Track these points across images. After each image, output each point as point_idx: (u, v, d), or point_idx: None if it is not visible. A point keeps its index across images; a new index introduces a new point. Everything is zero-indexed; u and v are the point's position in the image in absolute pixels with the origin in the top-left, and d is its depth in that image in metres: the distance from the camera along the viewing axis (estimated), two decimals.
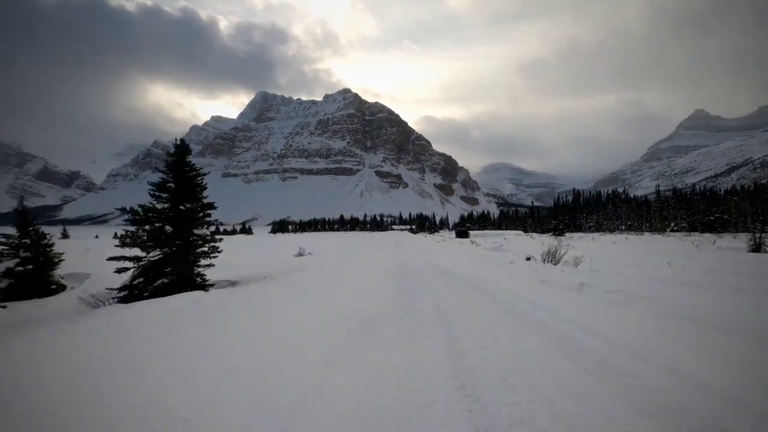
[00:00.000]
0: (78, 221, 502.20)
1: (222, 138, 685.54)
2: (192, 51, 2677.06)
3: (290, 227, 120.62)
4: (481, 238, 34.26)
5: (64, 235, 53.57)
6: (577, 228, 64.68)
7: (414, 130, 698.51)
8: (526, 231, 66.20)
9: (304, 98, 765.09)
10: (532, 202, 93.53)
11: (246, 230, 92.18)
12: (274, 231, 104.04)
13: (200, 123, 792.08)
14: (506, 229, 68.17)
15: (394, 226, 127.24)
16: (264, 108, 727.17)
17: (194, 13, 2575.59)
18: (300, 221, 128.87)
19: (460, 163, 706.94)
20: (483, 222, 74.02)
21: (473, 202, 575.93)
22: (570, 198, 73.59)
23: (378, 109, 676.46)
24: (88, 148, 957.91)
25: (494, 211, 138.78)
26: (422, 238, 46.83)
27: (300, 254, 19.27)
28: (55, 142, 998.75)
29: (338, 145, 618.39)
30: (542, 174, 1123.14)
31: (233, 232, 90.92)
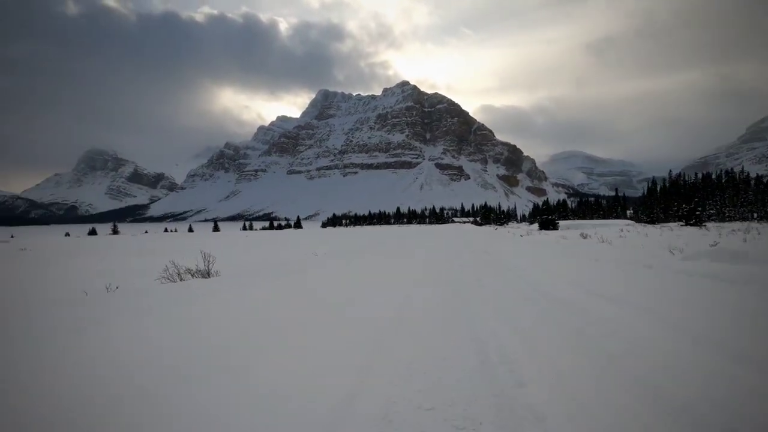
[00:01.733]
0: (162, 218, 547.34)
1: (286, 137, 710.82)
2: (254, 55, 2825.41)
3: (344, 222, 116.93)
4: (574, 229, 25.81)
5: (114, 231, 53.13)
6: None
7: (475, 119, 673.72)
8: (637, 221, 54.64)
9: (363, 94, 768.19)
10: (617, 190, 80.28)
11: (296, 225, 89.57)
12: (323, 225, 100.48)
13: (266, 123, 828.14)
14: (593, 219, 57.23)
15: (455, 219, 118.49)
16: (325, 105, 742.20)
17: (254, 18, 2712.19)
18: (355, 215, 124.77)
19: (525, 152, 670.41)
20: (563, 212, 63.55)
21: (540, 192, 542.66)
22: (663, 183, 60.20)
23: (437, 100, 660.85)
24: (171, 152, 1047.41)
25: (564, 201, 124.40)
26: (491, 230, 38.45)
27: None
28: (144, 148, 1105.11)
29: (397, 138, 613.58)
30: (617, 161, 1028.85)
31: (287, 226, 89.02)
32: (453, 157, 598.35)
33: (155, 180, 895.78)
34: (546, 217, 33.03)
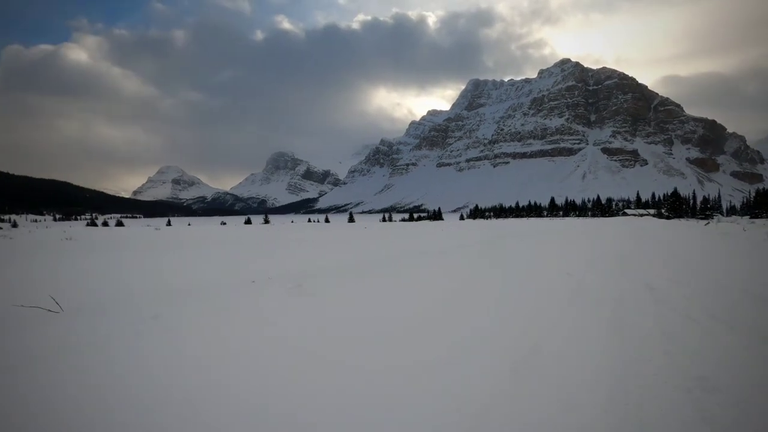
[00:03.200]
0: (327, 210, 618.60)
1: (436, 130, 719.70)
2: (403, 52, 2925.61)
3: (487, 214, 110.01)
4: None
5: (266, 221, 60.83)
6: None
7: (656, 93, 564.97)
8: None
9: (515, 78, 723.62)
10: None
11: (436, 216, 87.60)
12: (461, 218, 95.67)
13: (417, 118, 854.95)
14: None
15: (627, 211, 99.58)
16: (475, 95, 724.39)
17: (404, 17, 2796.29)
18: (500, 207, 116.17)
19: (729, 128, 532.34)
20: None
21: (754, 178, 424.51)
22: None
23: (605, 75, 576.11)
24: (335, 151, 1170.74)
25: None
26: (702, 229, 26.22)
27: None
28: (314, 149, 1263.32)
29: (555, 123, 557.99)
30: None
31: (430, 218, 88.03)
32: (625, 139, 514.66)
33: (323, 176, 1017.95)
34: None
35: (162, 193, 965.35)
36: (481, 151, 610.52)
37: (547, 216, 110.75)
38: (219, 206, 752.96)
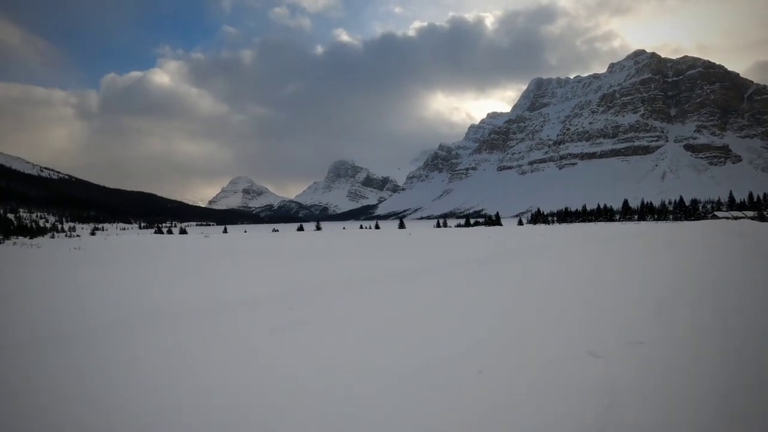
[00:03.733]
0: (387, 216, 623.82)
1: (496, 132, 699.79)
2: (460, 56, 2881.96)
3: (550, 219, 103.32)
4: None
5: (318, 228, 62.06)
6: None
7: (751, 81, 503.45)
8: None
9: (582, 75, 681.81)
10: None
11: (493, 221, 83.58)
12: (520, 222, 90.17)
13: (476, 122, 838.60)
14: None
15: (718, 213, 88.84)
16: (537, 95, 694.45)
17: (460, 20, 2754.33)
18: (565, 210, 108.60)
19: None
20: None
21: None
22: None
23: (686, 65, 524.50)
24: (394, 158, 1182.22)
25: None
26: None
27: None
28: (373, 156, 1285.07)
29: (629, 119, 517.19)
30: None
31: (486, 222, 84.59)
32: (713, 134, 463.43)
33: (382, 183, 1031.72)
34: None
35: (233, 202, 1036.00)
36: (546, 152, 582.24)
37: (619, 220, 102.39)
38: (284, 214, 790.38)
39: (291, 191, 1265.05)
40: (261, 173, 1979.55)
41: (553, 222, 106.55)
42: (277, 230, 67.00)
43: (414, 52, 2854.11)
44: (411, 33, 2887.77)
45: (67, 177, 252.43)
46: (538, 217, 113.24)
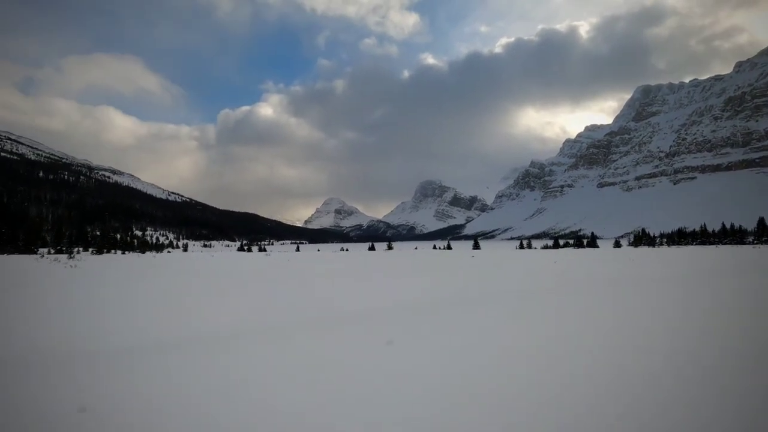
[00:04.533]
0: (473, 236, 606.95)
1: (595, 146, 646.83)
2: (551, 68, 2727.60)
3: (659, 240, 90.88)
4: None
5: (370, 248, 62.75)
6: None
7: None
8: None
9: (700, 78, 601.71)
10: None
11: (588, 242, 75.82)
12: (616, 245, 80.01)
13: (572, 136, 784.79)
14: None
15: None
16: (644, 103, 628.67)
17: (550, 32, 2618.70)
18: (678, 231, 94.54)
19: None
20: None
21: None
22: None
23: None
24: (482, 177, 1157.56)
25: None
26: None
27: None
28: (461, 175, 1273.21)
29: (763, 125, 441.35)
30: None
31: (577, 244, 77.57)
32: None
33: (470, 202, 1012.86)
34: None
35: (326, 221, 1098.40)
36: (656, 166, 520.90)
37: (753, 243, 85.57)
38: (373, 233, 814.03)
39: (380, 211, 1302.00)
40: (352, 194, 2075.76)
41: (660, 244, 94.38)
42: (347, 249, 70.04)
43: (501, 69, 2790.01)
44: (498, 50, 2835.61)
45: (188, 200, 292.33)
46: (642, 239, 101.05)
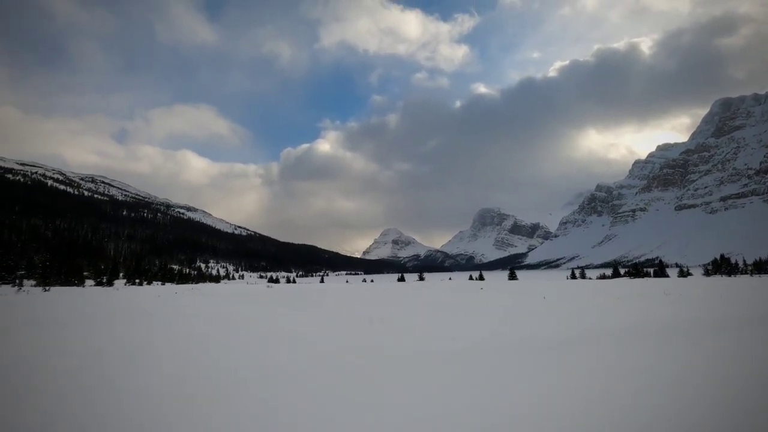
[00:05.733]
0: (537, 266, 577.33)
1: (670, 166, 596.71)
2: (611, 88, 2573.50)
3: (743, 269, 79.07)
4: None
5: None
6: None
7: None
8: None
9: None
10: None
11: (656, 272, 67.98)
12: (683, 273, 70.13)
13: (639, 157, 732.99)
14: None
15: None
16: (725, 117, 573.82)
17: (607, 51, 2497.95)
18: None
19: None
20: None
21: None
22: None
23: None
24: (544, 203, 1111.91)
25: None
26: None
27: None
28: (521, 202, 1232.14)
29: None
30: None
31: (636, 273, 69.86)
32: None
33: (532, 230, 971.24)
34: None
35: (384, 252, 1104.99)
36: (744, 185, 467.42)
37: None
38: (431, 263, 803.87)
39: (437, 241, 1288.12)
40: (408, 224, 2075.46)
41: (744, 273, 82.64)
42: (373, 280, 69.45)
43: (556, 93, 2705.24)
44: (552, 74, 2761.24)
45: (252, 233, 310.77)
46: (720, 267, 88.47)
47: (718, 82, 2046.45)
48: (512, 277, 62.17)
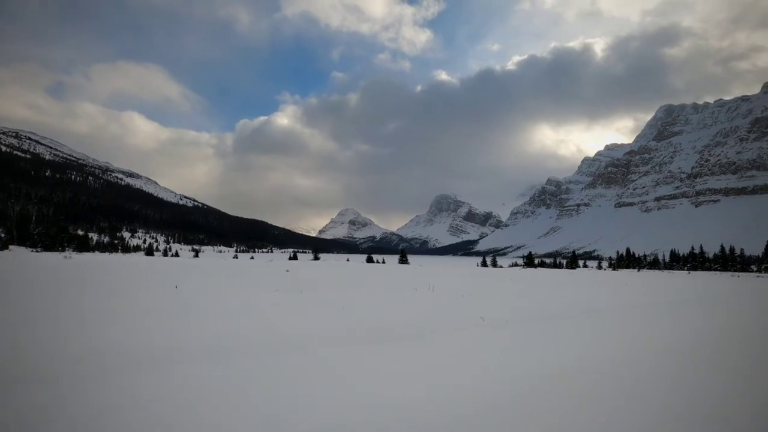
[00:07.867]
0: (486, 253, 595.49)
1: (614, 165, 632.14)
2: (565, 86, 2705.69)
3: (685, 264, 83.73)
4: None
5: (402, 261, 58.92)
6: None
7: None
8: None
9: (726, 98, 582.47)
10: None
11: (569, 263, 70.71)
12: (614, 266, 73.34)
13: (587, 155, 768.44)
14: None
15: None
16: (666, 123, 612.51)
17: (563, 50, 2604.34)
18: (692, 254, 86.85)
19: None
20: None
21: None
22: None
23: None
24: (498, 193, 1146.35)
25: None
26: None
27: None
28: (476, 191, 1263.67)
29: None
30: None
31: (570, 263, 72.03)
32: None
33: (485, 218, 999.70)
34: None
35: (340, 232, 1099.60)
36: (677, 187, 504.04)
37: (757, 271, 78.05)
38: (385, 245, 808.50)
39: (394, 224, 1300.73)
40: (367, 206, 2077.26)
41: (644, 267, 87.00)
42: (319, 258, 66.47)
43: (514, 86, 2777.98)
44: (510, 67, 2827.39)
45: (200, 205, 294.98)
46: (625, 260, 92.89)
47: (661, 88, 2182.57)
48: (403, 260, 61.45)
